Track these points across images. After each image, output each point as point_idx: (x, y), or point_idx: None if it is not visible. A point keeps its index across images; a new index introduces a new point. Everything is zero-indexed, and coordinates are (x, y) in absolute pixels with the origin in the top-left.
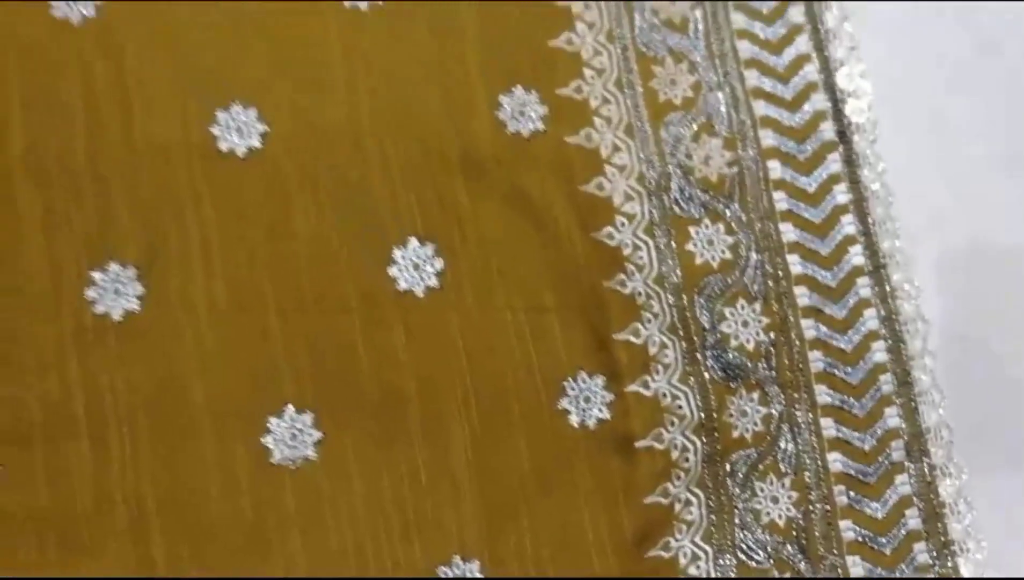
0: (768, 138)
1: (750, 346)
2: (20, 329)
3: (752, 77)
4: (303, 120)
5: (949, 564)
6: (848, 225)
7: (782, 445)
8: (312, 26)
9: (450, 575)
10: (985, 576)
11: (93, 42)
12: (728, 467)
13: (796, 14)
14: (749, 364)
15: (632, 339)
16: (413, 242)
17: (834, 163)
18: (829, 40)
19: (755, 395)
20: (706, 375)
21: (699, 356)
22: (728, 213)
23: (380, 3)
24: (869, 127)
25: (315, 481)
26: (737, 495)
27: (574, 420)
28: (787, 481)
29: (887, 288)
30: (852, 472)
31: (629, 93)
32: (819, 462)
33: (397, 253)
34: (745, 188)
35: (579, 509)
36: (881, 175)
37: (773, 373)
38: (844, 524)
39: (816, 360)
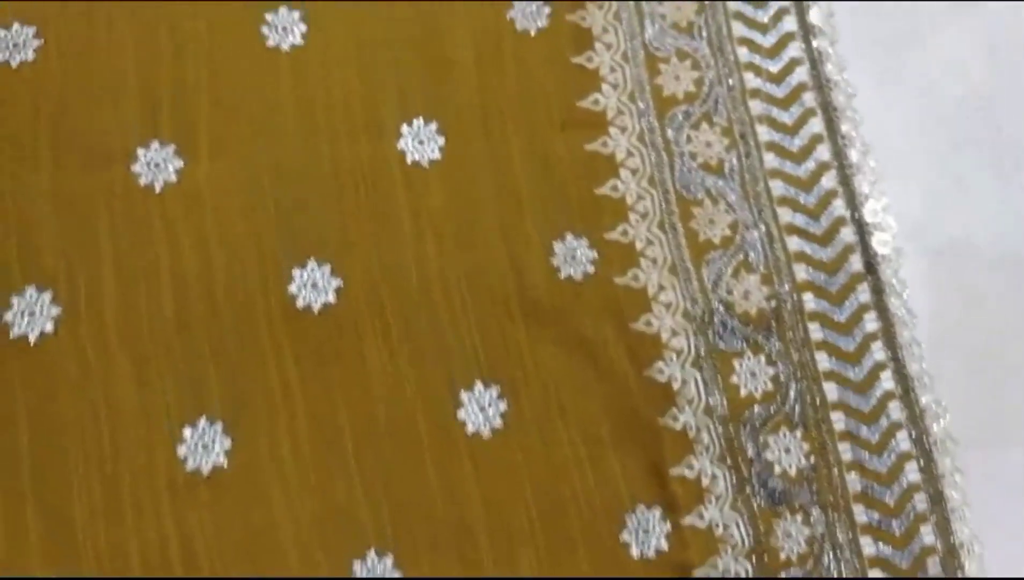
0: (801, 272)
1: (792, 472)
2: (122, 481)
3: (785, 214)
4: (375, 272)
5: None
6: (878, 351)
7: (825, 562)
8: (381, 185)
9: None
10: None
11: (177, 205)
12: None
13: (824, 152)
14: (792, 489)
15: (686, 473)
16: (479, 385)
17: (863, 293)
18: (854, 174)
19: (799, 517)
20: (754, 502)
21: (747, 485)
22: (768, 345)
23: (439, 158)
24: (894, 257)
25: None
26: None
27: (634, 552)
28: None
29: (916, 410)
30: None
31: (671, 234)
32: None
33: (464, 396)
34: (783, 321)
35: None
36: (906, 302)
37: (814, 496)
38: None
39: (853, 482)
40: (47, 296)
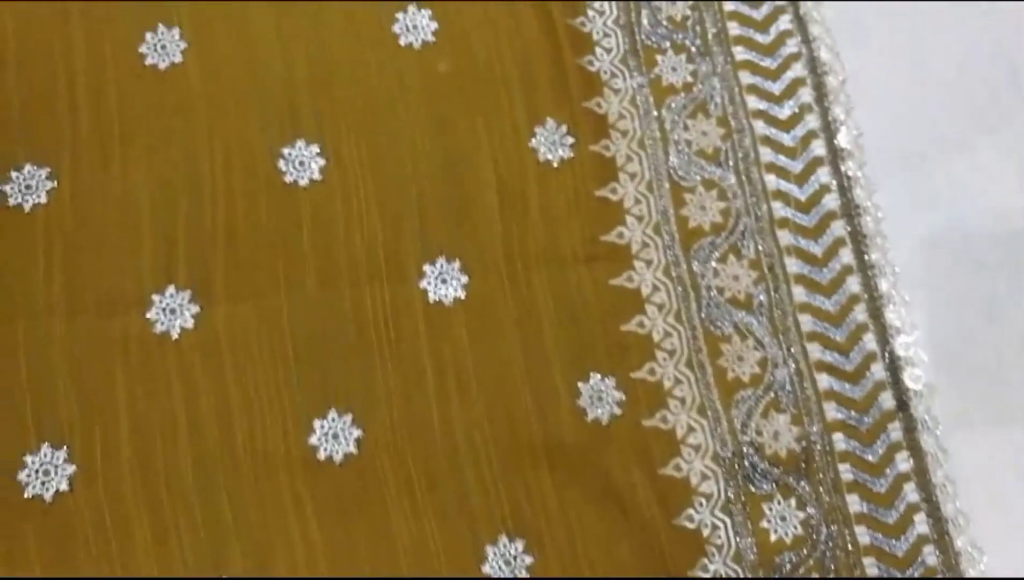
0: (832, 410)
1: None
2: None
3: (815, 350)
4: (397, 422)
5: None
6: (911, 492)
7: None
8: (404, 328)
9: None
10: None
11: (194, 352)
12: None
13: (853, 283)
14: None
15: None
16: (503, 538)
17: (895, 431)
18: (884, 306)
19: None
20: None
21: None
22: (798, 488)
23: (463, 297)
24: (927, 393)
25: None
26: None
27: None
28: None
29: (951, 555)
30: None
31: (699, 373)
32: None
33: (489, 550)
34: (813, 462)
35: None
36: (939, 439)
37: None
38: None
39: None
40: (62, 454)
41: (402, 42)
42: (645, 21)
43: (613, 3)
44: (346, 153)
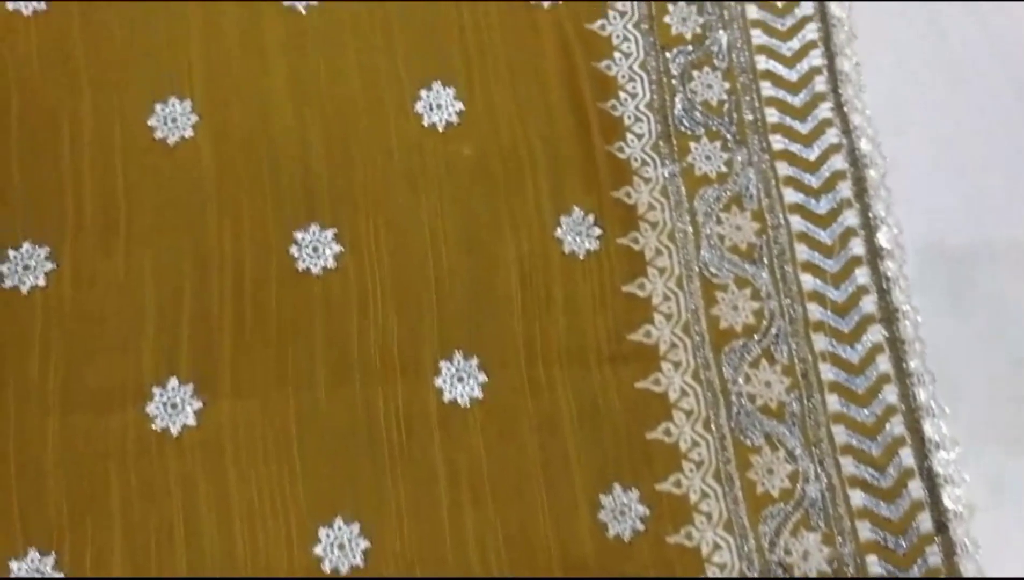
0: (865, 530)
1: None
2: None
3: (848, 465)
4: (406, 532)
5: None
6: None
7: None
8: (417, 431)
9: None
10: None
11: (195, 452)
12: None
13: (890, 393)
14: None
15: None
16: None
17: (933, 555)
18: (923, 418)
19: None
20: None
21: None
22: None
23: (480, 397)
24: (967, 514)
25: None
26: None
27: None
28: None
29: None
30: None
31: (728, 486)
32: None
33: None
34: None
35: None
36: (980, 566)
37: None
38: None
39: None
40: (50, 560)
41: (425, 122)
42: (679, 105)
43: (646, 85)
44: (363, 239)
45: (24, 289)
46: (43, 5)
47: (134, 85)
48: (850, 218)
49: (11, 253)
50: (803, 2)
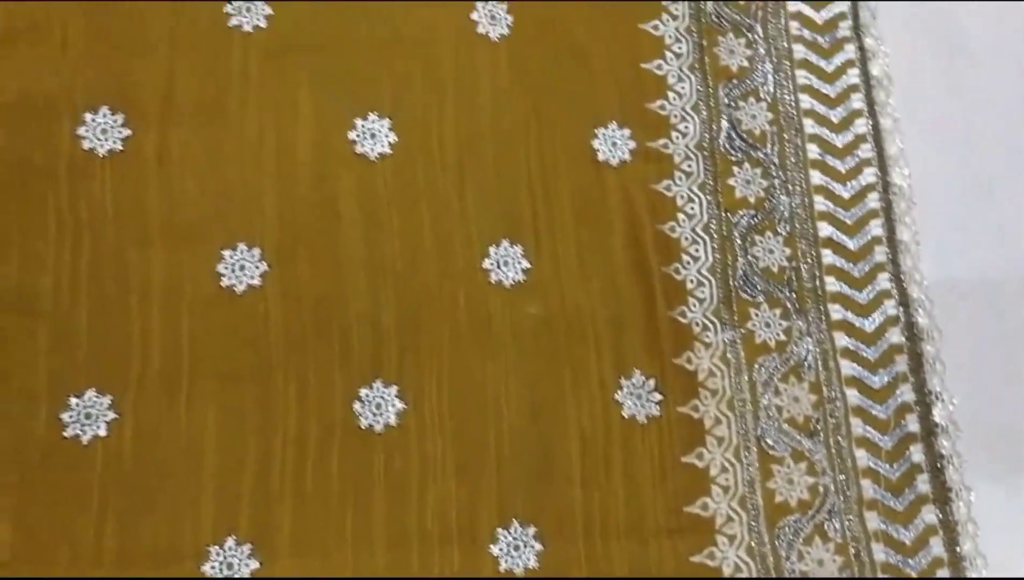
0: None
1: None
2: None
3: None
4: None
5: None
6: None
7: None
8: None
9: None
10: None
11: None
12: None
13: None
14: None
15: None
16: None
17: None
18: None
19: None
20: None
21: None
22: None
23: (536, 567)
24: None
25: None
26: None
27: None
28: None
29: None
30: None
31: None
32: None
33: None
34: None
35: None
36: None
37: None
38: None
39: None
40: None
41: (492, 279)
42: (740, 270)
43: (709, 249)
44: (426, 397)
45: (85, 439)
46: (119, 145)
47: (205, 231)
48: (905, 393)
49: (73, 401)
50: (866, 169)
